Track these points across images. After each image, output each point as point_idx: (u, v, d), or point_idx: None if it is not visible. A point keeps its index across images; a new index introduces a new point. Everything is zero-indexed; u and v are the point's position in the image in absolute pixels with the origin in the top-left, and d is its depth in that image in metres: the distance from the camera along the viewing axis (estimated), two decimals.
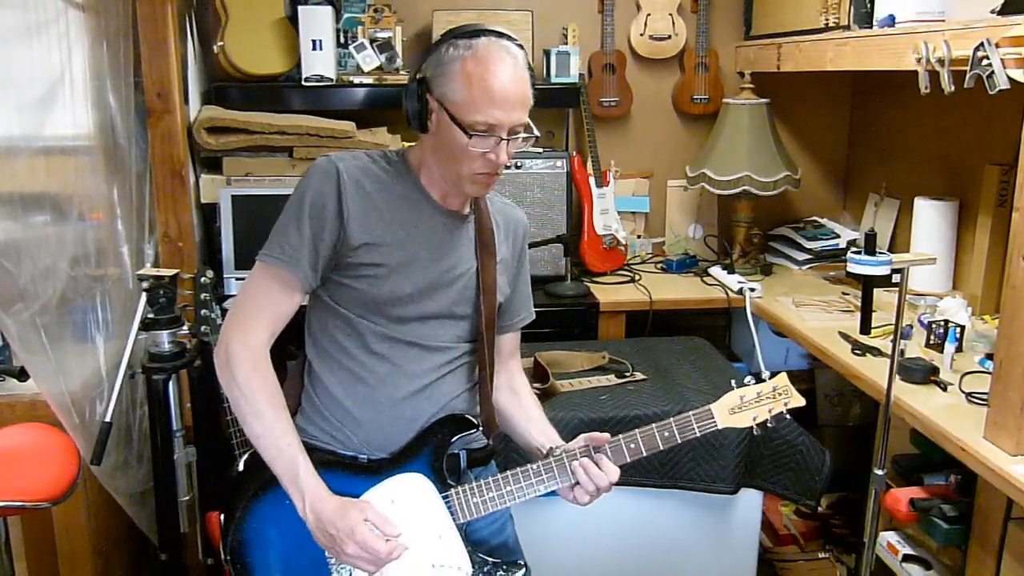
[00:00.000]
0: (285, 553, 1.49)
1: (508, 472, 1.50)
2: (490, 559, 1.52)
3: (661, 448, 1.49)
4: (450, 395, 1.56)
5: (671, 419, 1.49)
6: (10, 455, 1.71)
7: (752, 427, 1.52)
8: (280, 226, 1.47)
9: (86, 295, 2.13)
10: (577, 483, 1.49)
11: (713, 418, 1.50)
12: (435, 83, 1.42)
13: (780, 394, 1.53)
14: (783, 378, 1.54)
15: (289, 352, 1.65)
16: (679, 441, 1.49)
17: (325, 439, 1.52)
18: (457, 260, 1.54)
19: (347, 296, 1.49)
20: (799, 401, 1.55)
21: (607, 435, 1.50)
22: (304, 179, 1.48)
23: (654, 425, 1.49)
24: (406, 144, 2.73)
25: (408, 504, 1.47)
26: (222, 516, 1.54)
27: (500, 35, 1.42)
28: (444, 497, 1.48)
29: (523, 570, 1.56)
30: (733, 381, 1.54)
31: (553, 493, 1.53)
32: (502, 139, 1.40)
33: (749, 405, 1.51)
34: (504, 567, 1.53)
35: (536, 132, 1.46)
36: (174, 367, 2.14)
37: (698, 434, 1.50)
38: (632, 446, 1.49)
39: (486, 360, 1.58)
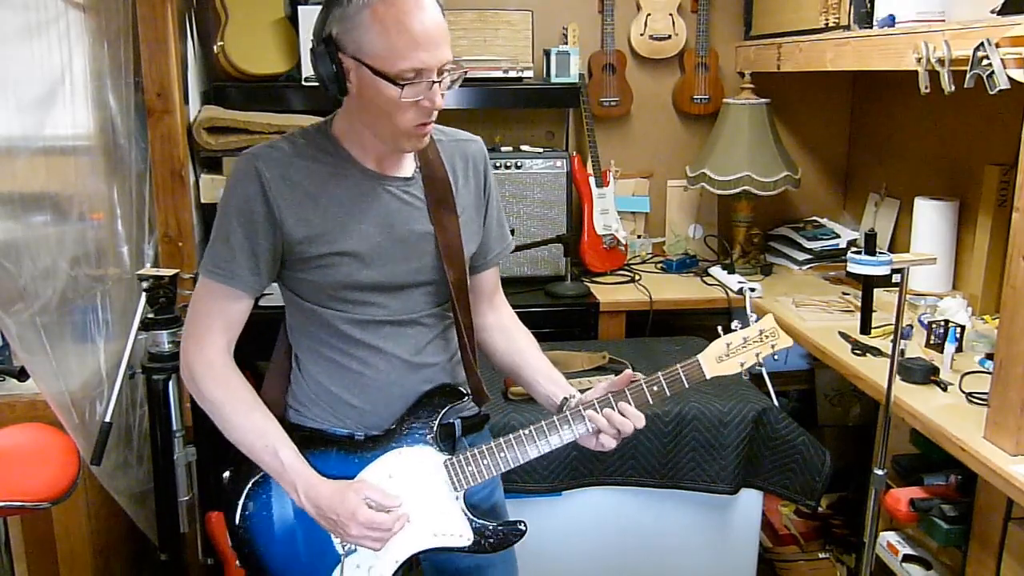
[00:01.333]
0: (289, 532, 1.49)
1: (502, 438, 1.48)
2: (489, 524, 1.51)
3: (650, 403, 1.46)
4: (435, 366, 1.53)
5: (659, 374, 1.46)
6: (10, 455, 1.71)
7: (741, 372, 1.48)
8: (212, 237, 1.42)
9: (86, 295, 2.13)
10: (599, 431, 1.46)
11: (701, 369, 1.46)
12: (346, 39, 1.30)
13: (767, 336, 1.49)
14: (769, 320, 1.50)
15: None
16: (668, 394, 1.46)
17: (320, 421, 1.52)
18: (409, 228, 1.46)
19: (306, 289, 1.46)
20: (787, 342, 1.50)
21: (630, 373, 1.47)
22: (227, 185, 1.41)
23: (642, 380, 1.46)
24: None
25: (406, 477, 1.48)
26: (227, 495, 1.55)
27: None
28: (440, 467, 1.48)
29: (521, 534, 1.55)
30: (720, 328, 1.50)
31: (552, 493, 1.52)
32: (434, 82, 1.31)
33: (736, 351, 1.47)
34: (503, 530, 1.52)
35: (463, 67, 1.36)
36: (174, 367, 2.14)
37: (687, 386, 1.46)
38: (622, 403, 1.45)
39: (462, 327, 1.52)
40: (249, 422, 1.42)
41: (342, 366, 1.49)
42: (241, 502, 1.51)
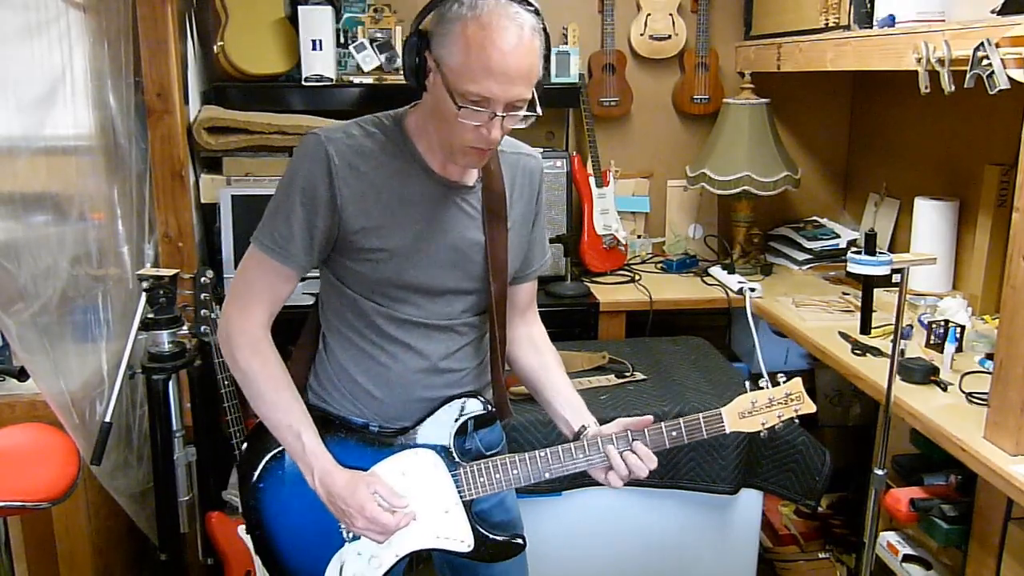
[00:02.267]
0: (298, 510, 1.51)
1: (516, 456, 1.49)
2: (491, 535, 1.53)
3: (667, 447, 1.48)
4: (462, 372, 1.55)
5: (679, 420, 1.48)
6: (10, 455, 1.71)
7: (761, 431, 1.51)
8: (271, 210, 1.42)
9: (86, 295, 2.13)
10: (611, 468, 1.47)
11: (722, 422, 1.49)
12: (435, 40, 1.30)
13: (792, 400, 1.51)
14: (797, 384, 1.52)
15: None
16: (685, 441, 1.49)
17: (338, 407, 1.53)
18: (462, 235, 1.46)
19: (350, 277, 1.47)
20: (810, 408, 1.52)
21: (649, 418, 1.49)
22: (293, 161, 1.41)
23: (663, 424, 1.48)
24: None
25: (418, 477, 1.50)
26: (239, 471, 1.57)
27: None
28: (453, 474, 1.50)
29: (520, 548, 1.57)
30: (748, 383, 1.53)
31: (552, 493, 1.53)
32: (496, 115, 1.29)
33: (760, 410, 1.50)
34: (502, 545, 1.54)
35: (539, 111, 1.34)
36: (174, 367, 2.14)
37: (705, 436, 1.49)
38: (638, 444, 1.48)
39: (496, 339, 1.54)
40: (278, 399, 1.44)
41: (370, 356, 1.50)
42: (256, 474, 1.54)
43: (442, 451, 1.51)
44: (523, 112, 1.32)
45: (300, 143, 1.41)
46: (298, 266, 1.43)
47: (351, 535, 1.50)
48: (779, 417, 1.50)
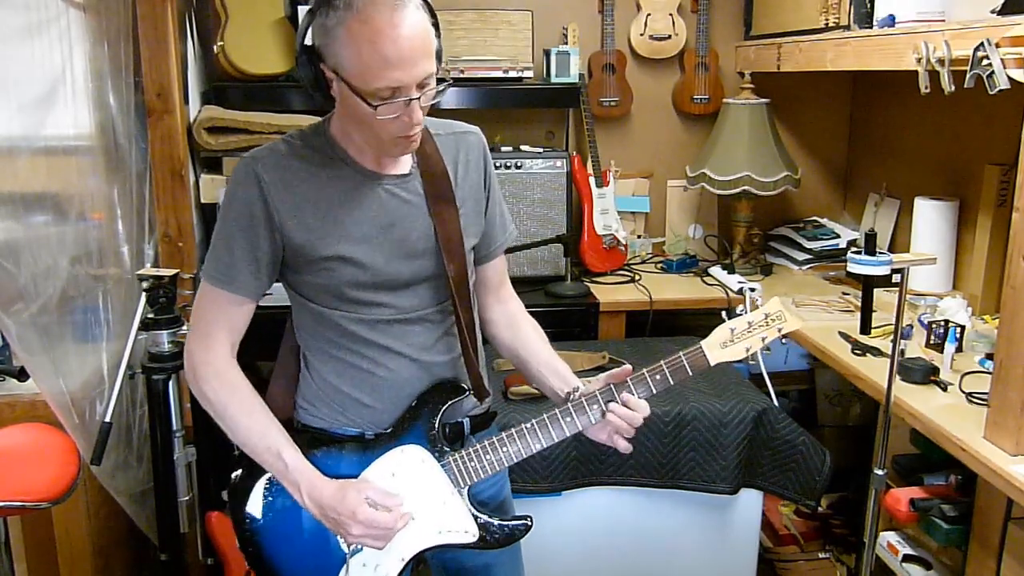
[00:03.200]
0: (296, 533, 1.49)
1: (504, 433, 1.48)
2: (495, 520, 1.51)
3: (654, 392, 1.47)
4: (444, 363, 1.54)
5: (661, 362, 1.47)
6: (10, 455, 1.71)
7: (746, 357, 1.47)
8: (213, 241, 1.42)
9: (86, 295, 2.13)
10: (609, 425, 1.47)
11: (704, 355, 1.46)
12: (325, 51, 1.29)
13: (773, 320, 1.46)
14: (775, 303, 1.47)
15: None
16: (671, 383, 1.47)
17: (330, 422, 1.52)
18: (410, 225, 1.45)
19: (310, 291, 1.46)
20: (795, 324, 1.47)
21: (628, 367, 1.48)
22: (227, 189, 1.41)
23: (644, 371, 1.47)
24: None
25: (409, 475, 1.48)
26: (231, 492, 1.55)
27: None
28: (442, 464, 1.49)
29: (527, 528, 1.54)
30: (724, 313, 1.49)
31: (552, 493, 1.51)
32: (411, 99, 1.28)
33: (741, 336, 1.45)
34: (509, 524, 1.52)
35: (448, 77, 1.34)
36: (174, 367, 2.14)
37: (690, 373, 1.46)
38: (625, 394, 1.47)
39: (463, 323, 1.52)
40: (252, 423, 1.43)
41: (352, 365, 1.49)
42: (249, 502, 1.51)
43: (427, 444, 1.49)
44: (434, 87, 1.32)
45: (232, 171, 1.42)
46: (247, 292, 1.42)
47: (352, 548, 1.47)
48: (763, 340, 1.46)
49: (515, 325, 1.65)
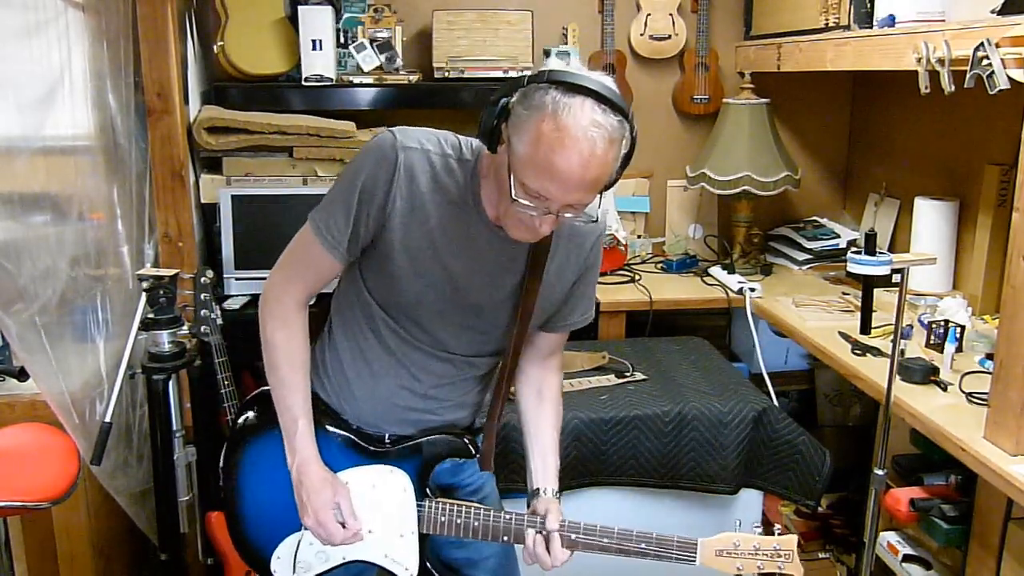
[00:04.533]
0: (275, 484, 1.54)
1: (482, 509, 1.51)
2: (435, 572, 1.58)
3: (629, 555, 1.45)
4: (447, 402, 1.55)
5: (653, 534, 1.44)
6: (10, 455, 1.71)
7: None
8: (333, 194, 1.42)
9: (86, 295, 2.13)
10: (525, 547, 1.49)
11: (695, 552, 1.43)
12: (512, 118, 1.25)
13: (779, 556, 1.43)
14: (791, 541, 1.43)
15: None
16: (649, 557, 1.44)
17: (327, 394, 1.57)
18: (496, 282, 1.45)
19: (372, 281, 1.47)
20: (797, 571, 1.43)
21: (556, 521, 1.47)
22: (365, 153, 1.39)
23: (634, 531, 1.45)
24: None
25: (385, 495, 1.53)
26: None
27: (600, 98, 1.20)
28: (419, 505, 1.53)
29: None
30: (738, 521, 1.47)
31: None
32: (548, 212, 1.26)
33: (741, 554, 1.42)
34: None
35: (593, 216, 1.31)
36: (174, 367, 2.14)
37: (673, 561, 1.44)
38: (605, 541, 1.45)
39: (501, 390, 1.54)
40: (291, 377, 1.48)
41: (365, 360, 1.52)
42: (246, 438, 1.59)
43: (415, 480, 1.53)
44: (576, 214, 1.29)
45: (375, 137, 1.40)
46: (343, 257, 1.44)
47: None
48: (759, 568, 1.42)
49: (542, 396, 1.63)
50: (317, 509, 1.45)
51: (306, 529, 1.51)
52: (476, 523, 1.50)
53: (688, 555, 1.43)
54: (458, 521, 1.51)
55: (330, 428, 1.54)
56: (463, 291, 1.44)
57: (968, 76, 1.72)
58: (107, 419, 1.99)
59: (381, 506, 1.52)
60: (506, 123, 1.26)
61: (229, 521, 1.61)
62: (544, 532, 1.46)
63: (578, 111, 1.19)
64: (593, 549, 1.46)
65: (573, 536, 1.46)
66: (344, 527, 1.47)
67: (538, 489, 1.54)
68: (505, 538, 1.49)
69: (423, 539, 1.53)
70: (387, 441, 1.55)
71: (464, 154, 1.41)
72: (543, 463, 1.57)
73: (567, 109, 1.19)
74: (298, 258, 1.47)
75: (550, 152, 1.19)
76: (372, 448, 1.54)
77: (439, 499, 1.53)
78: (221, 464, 1.61)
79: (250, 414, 1.61)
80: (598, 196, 1.29)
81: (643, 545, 1.44)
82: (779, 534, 1.44)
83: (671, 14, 3.11)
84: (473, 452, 1.56)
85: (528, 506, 1.54)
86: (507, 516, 1.50)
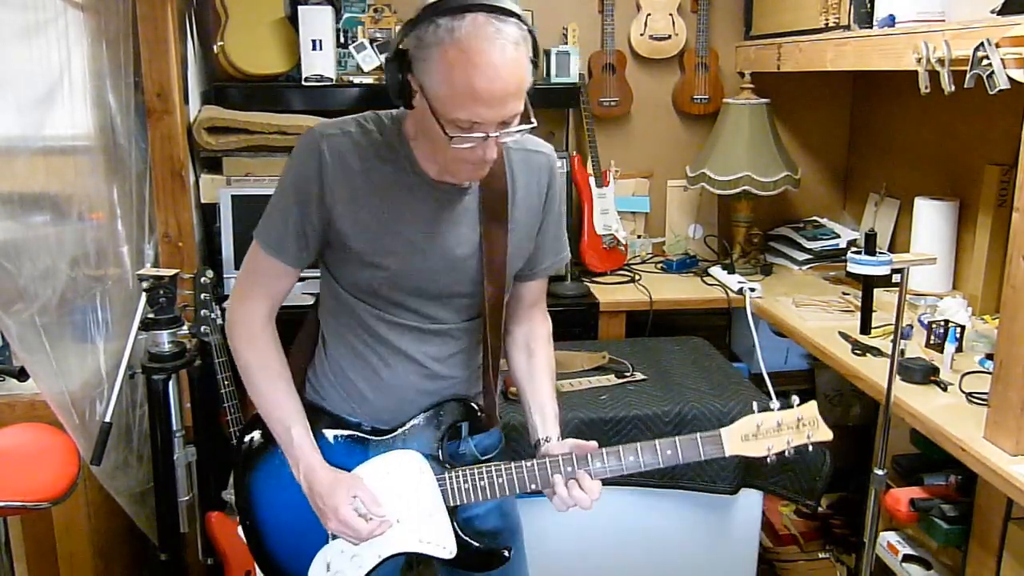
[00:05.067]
0: (292, 501, 1.50)
1: (503, 464, 1.47)
2: (474, 543, 1.52)
3: (661, 465, 1.41)
4: (455, 378, 1.54)
5: (676, 438, 1.41)
6: (10, 455, 1.71)
7: (768, 456, 1.41)
8: (270, 205, 1.43)
9: (86, 295, 2.13)
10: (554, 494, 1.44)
11: (721, 443, 1.39)
12: (415, 64, 1.24)
13: (805, 425, 1.41)
14: (811, 407, 1.41)
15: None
16: (681, 462, 1.41)
17: (333, 404, 1.54)
18: (456, 239, 1.43)
19: (343, 276, 1.46)
20: (826, 435, 1.42)
21: (593, 444, 1.43)
22: (291, 157, 1.40)
23: (657, 441, 1.41)
24: None
25: (403, 480, 1.49)
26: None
27: (492, 9, 1.20)
28: (439, 479, 1.49)
29: (504, 560, 1.54)
30: (755, 403, 1.43)
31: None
32: (488, 135, 1.25)
33: (766, 434, 1.40)
34: (485, 554, 1.53)
35: (533, 121, 1.29)
36: (174, 367, 2.14)
37: (703, 458, 1.41)
38: (631, 458, 1.41)
39: (489, 347, 1.51)
40: (272, 391, 1.46)
41: (364, 358, 1.50)
42: (254, 463, 1.55)
43: (429, 456, 1.50)
44: (516, 128, 1.28)
45: (300, 139, 1.41)
46: (294, 263, 1.43)
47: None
48: (788, 443, 1.40)
49: (531, 351, 1.62)
50: (336, 509, 1.41)
51: (334, 538, 1.48)
52: (501, 479, 1.46)
53: (715, 448, 1.40)
54: (482, 483, 1.47)
55: (327, 431, 1.51)
56: (429, 256, 1.42)
57: (968, 76, 1.72)
58: (107, 419, 1.99)
59: (402, 493, 1.48)
60: (411, 74, 1.26)
61: (257, 554, 1.56)
62: (578, 469, 1.41)
63: (474, 28, 1.19)
64: (625, 471, 1.42)
65: (599, 464, 1.41)
66: (369, 521, 1.43)
67: (539, 440, 1.50)
68: (533, 486, 1.45)
69: (452, 514, 1.49)
70: (393, 427, 1.52)
71: (386, 122, 1.41)
72: (541, 414, 1.54)
73: (463, 31, 1.19)
74: (251, 276, 1.47)
75: (466, 77, 1.19)
76: (376, 439, 1.51)
77: (456, 469, 1.49)
78: (234, 498, 1.58)
79: (254, 435, 1.57)
80: (529, 107, 1.28)
81: (669, 452, 1.40)
82: (796, 404, 1.41)
83: (671, 14, 3.11)
84: (477, 411, 1.54)
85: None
86: (529, 464, 1.45)
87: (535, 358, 1.62)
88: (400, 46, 1.27)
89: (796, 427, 1.42)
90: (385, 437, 1.52)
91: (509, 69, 1.21)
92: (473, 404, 1.55)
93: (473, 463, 1.55)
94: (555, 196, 1.55)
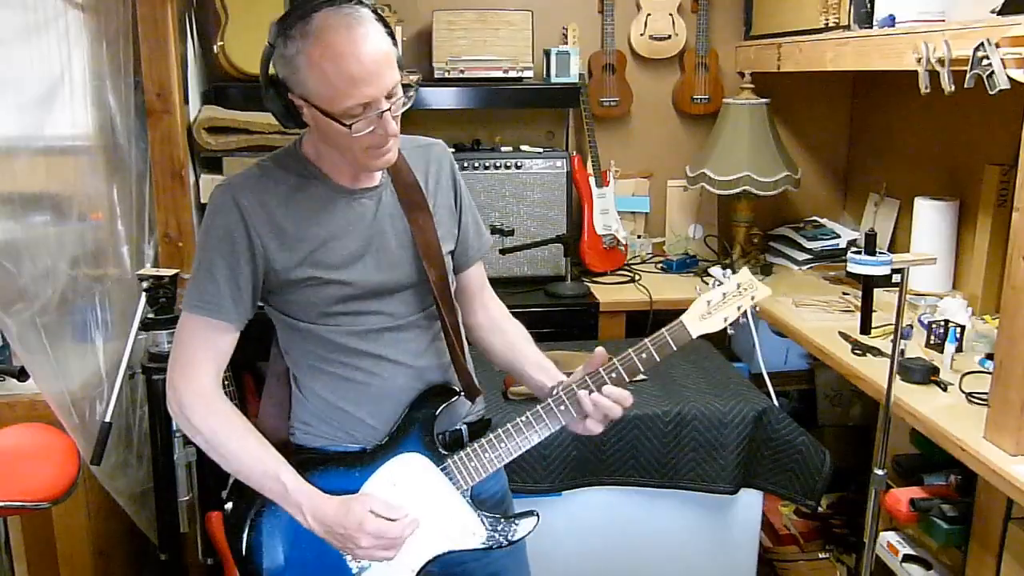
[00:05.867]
0: (301, 558, 1.47)
1: (501, 429, 1.48)
2: (501, 517, 1.51)
3: (642, 370, 1.48)
4: (433, 367, 1.53)
5: (645, 340, 1.47)
6: (10, 455, 1.71)
7: (726, 327, 1.50)
8: (194, 271, 1.42)
9: (86, 295, 2.13)
10: (587, 416, 1.46)
11: (686, 328, 1.48)
12: (291, 81, 1.32)
13: (745, 289, 1.50)
14: (744, 273, 1.52)
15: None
16: (658, 360, 1.47)
17: (328, 438, 1.50)
18: (388, 235, 1.47)
19: (297, 310, 1.46)
20: (765, 291, 1.52)
21: (602, 352, 1.47)
22: (206, 218, 1.41)
23: (631, 350, 1.47)
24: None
25: (410, 483, 1.47)
26: (228, 516, 1.52)
27: (332, 1, 1.28)
28: (442, 468, 1.48)
29: (536, 518, 1.53)
30: (697, 288, 1.51)
31: (552, 493, 1.50)
32: (383, 111, 1.31)
33: (718, 307, 1.49)
34: (516, 520, 1.52)
35: (412, 80, 1.37)
36: None
37: (674, 348, 1.47)
38: (613, 375, 1.46)
39: (447, 326, 1.51)
40: (246, 448, 1.40)
41: (346, 379, 1.48)
42: (246, 533, 1.48)
43: (425, 450, 1.49)
44: (402, 95, 1.33)
45: (209, 199, 1.42)
46: (232, 318, 1.41)
47: (359, 566, 1.45)
48: (739, 309, 1.49)
49: (500, 329, 1.66)
50: (359, 524, 1.36)
51: (361, 570, 1.45)
52: (504, 444, 1.47)
53: (682, 334, 1.47)
54: (490, 455, 1.48)
55: (322, 467, 1.46)
56: (371, 258, 1.45)
57: (968, 76, 1.72)
58: (107, 419, 1.99)
59: (412, 497, 1.46)
60: (290, 92, 1.33)
61: None
62: (599, 387, 1.45)
63: (325, 23, 1.27)
64: (620, 383, 1.47)
65: (609, 374, 1.46)
66: (394, 523, 1.40)
67: (554, 387, 1.52)
68: (545, 431, 1.47)
69: (470, 498, 1.48)
70: (381, 440, 1.50)
71: (282, 157, 1.46)
72: (541, 369, 1.57)
73: (316, 29, 1.27)
74: (187, 347, 1.41)
75: (337, 68, 1.26)
76: (369, 455, 1.49)
77: (456, 452, 1.48)
78: (239, 568, 1.51)
79: (238, 507, 1.50)
80: (402, 72, 1.34)
81: (644, 355, 1.46)
82: (733, 275, 1.51)
83: (671, 14, 3.12)
84: (455, 389, 1.53)
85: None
86: (532, 413, 1.47)
87: (507, 333, 1.65)
88: (269, 75, 1.34)
89: (739, 293, 1.50)
90: (377, 451, 1.49)
91: (372, 43, 1.28)
92: (448, 385, 1.54)
93: (469, 438, 1.54)
94: (461, 183, 1.60)
